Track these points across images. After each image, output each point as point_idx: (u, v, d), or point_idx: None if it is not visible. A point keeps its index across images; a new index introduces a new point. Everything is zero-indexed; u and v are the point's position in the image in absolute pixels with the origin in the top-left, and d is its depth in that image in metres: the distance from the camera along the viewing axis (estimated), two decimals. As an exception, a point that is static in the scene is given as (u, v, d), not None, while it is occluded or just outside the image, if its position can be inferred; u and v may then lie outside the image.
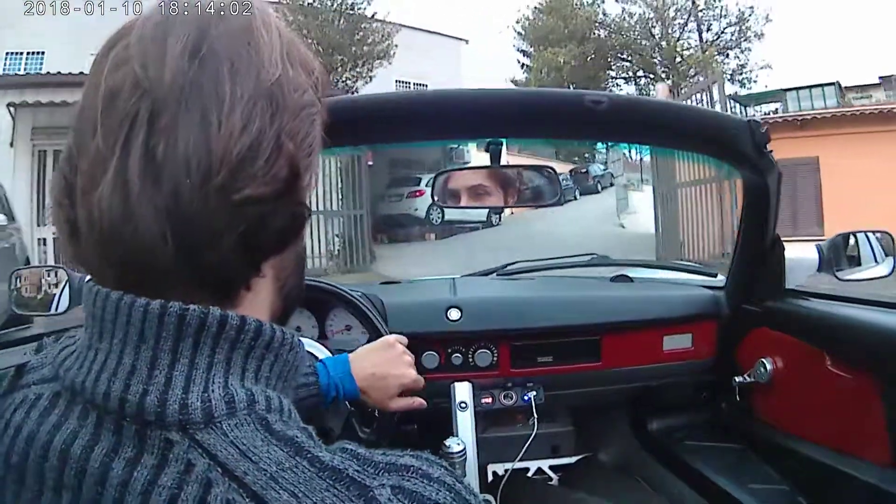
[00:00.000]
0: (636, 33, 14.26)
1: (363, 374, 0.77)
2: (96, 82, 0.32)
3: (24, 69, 10.10)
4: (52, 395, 0.35)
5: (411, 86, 14.30)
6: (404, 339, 0.85)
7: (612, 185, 14.89)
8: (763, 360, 1.06)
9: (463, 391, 0.99)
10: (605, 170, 15.58)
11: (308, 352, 0.89)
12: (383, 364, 0.79)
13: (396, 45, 12.96)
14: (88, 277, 0.35)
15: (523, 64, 19.90)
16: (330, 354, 0.89)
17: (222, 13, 0.33)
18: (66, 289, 1.01)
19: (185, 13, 0.33)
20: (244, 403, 0.32)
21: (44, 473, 0.32)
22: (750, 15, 13.64)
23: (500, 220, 10.44)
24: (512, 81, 18.65)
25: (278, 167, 0.32)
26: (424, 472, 0.31)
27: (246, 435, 0.30)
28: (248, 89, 0.32)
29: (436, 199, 1.00)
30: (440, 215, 10.19)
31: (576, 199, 13.95)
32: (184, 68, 0.31)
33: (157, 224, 0.30)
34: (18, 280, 1.04)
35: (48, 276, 1.05)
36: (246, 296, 0.35)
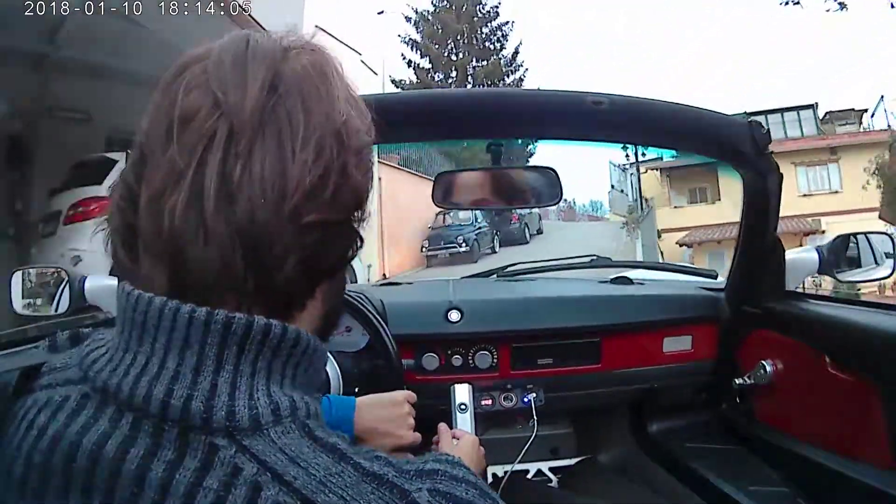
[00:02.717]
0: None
1: (364, 425, 0.77)
2: (171, 100, 0.34)
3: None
4: (81, 397, 0.35)
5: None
6: (413, 397, 0.85)
7: (540, 231, 12.34)
8: (763, 361, 1.06)
9: (463, 393, 0.99)
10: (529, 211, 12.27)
11: None
12: (386, 422, 0.79)
13: None
14: (124, 282, 0.36)
15: (411, 62, 16.97)
16: (331, 360, 0.90)
17: (292, 52, 0.36)
18: (67, 289, 1.01)
19: (260, 48, 0.36)
20: (288, 410, 0.33)
21: (71, 474, 0.32)
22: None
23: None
24: (394, 83, 15.98)
25: (343, 197, 0.35)
26: (451, 474, 0.34)
27: (293, 442, 0.32)
28: (320, 126, 0.35)
29: (436, 201, 1.00)
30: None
31: (494, 251, 11.21)
32: (263, 98, 0.34)
33: (230, 240, 0.32)
34: (18, 280, 1.04)
35: (48, 276, 1.05)
36: (298, 316, 0.37)
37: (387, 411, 0.80)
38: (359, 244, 0.39)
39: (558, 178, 0.97)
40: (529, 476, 1.28)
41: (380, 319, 0.98)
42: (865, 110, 15.21)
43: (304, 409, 0.34)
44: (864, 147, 13.12)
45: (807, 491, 0.96)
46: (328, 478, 0.30)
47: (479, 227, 11.67)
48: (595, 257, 1.59)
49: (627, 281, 1.39)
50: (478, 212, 10.75)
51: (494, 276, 1.52)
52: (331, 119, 0.35)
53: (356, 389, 0.91)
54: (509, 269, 1.53)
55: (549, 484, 1.28)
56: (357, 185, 0.36)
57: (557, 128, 0.90)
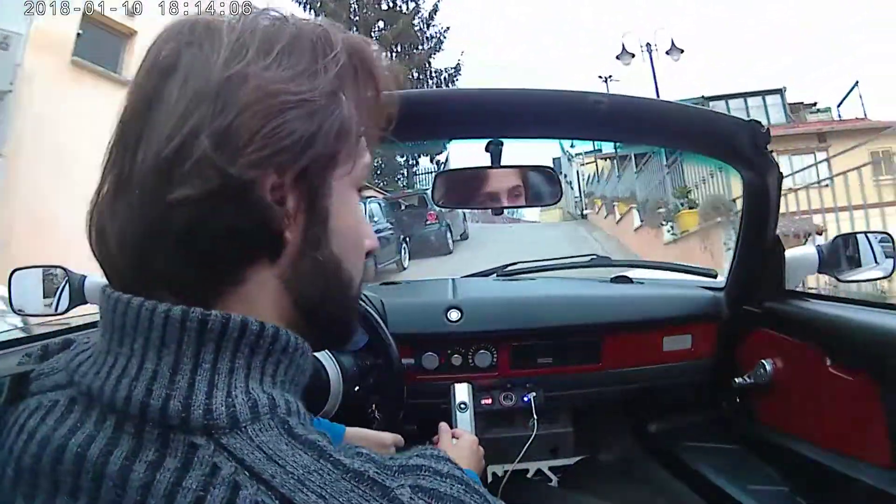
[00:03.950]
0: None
1: None
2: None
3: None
4: (68, 401, 0.35)
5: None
6: (401, 442, 0.86)
7: (465, 236, 9.30)
8: (763, 361, 1.06)
9: (463, 392, 0.99)
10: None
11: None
12: None
13: None
14: (106, 283, 0.36)
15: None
16: (331, 358, 0.90)
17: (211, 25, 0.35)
18: (66, 288, 1.01)
19: (165, 33, 0.36)
20: (266, 408, 0.32)
21: (58, 477, 0.32)
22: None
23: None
24: None
25: (204, 167, 0.32)
26: (435, 469, 0.33)
27: (271, 439, 0.31)
28: (193, 90, 0.32)
29: (436, 201, 1.00)
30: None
31: (402, 268, 8.03)
32: (149, 84, 0.34)
33: (117, 233, 0.34)
34: (17, 280, 1.04)
35: (48, 275, 1.05)
36: (228, 301, 0.34)
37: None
38: (267, 217, 0.33)
39: (558, 178, 0.97)
40: (529, 475, 1.28)
41: (378, 318, 0.98)
42: (815, 103, 13.98)
43: (283, 407, 0.33)
44: (854, 133, 10.76)
45: (806, 490, 0.97)
46: (306, 476, 0.30)
47: (378, 231, 7.60)
48: (595, 257, 1.59)
49: (627, 280, 1.39)
50: (373, 206, 8.39)
51: (494, 275, 1.52)
52: (210, 80, 0.32)
53: (356, 388, 0.92)
54: (509, 268, 1.53)
55: (549, 483, 1.28)
56: (234, 151, 0.32)
57: (557, 127, 0.90)
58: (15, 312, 1.05)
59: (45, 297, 1.03)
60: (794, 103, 14.02)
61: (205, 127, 0.32)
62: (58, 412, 0.34)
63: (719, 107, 12.45)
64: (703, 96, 13.26)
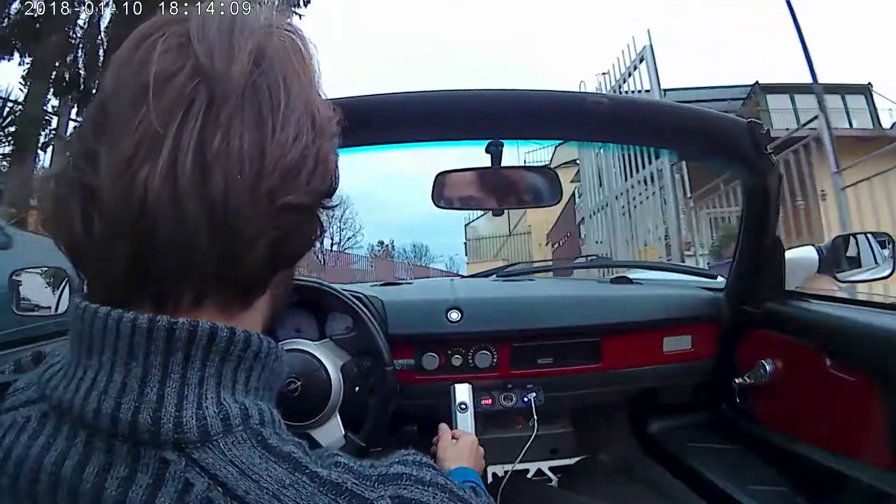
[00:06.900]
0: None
1: None
2: (144, 57, 0.32)
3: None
4: (41, 417, 0.34)
5: None
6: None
7: None
8: (763, 361, 1.06)
9: (463, 392, 0.99)
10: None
11: (311, 354, 0.89)
12: None
13: None
14: (75, 294, 0.35)
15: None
16: (331, 359, 0.90)
17: (275, 30, 0.36)
18: (67, 289, 1.01)
19: (247, 21, 0.35)
20: (239, 419, 0.32)
21: (37, 496, 0.32)
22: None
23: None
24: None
25: (317, 181, 0.35)
26: (417, 477, 0.32)
27: (244, 453, 0.30)
28: (299, 106, 0.34)
29: (435, 201, 1.00)
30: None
31: None
32: (248, 70, 0.33)
33: (199, 218, 0.30)
34: (18, 281, 1.04)
35: (49, 276, 1.05)
36: (258, 300, 0.36)
37: None
38: (320, 233, 0.37)
39: (558, 178, 0.97)
40: (529, 475, 1.28)
41: (370, 316, 0.97)
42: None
43: (256, 417, 0.32)
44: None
45: (806, 490, 0.97)
46: (281, 490, 0.29)
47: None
48: (595, 257, 1.59)
49: (627, 281, 1.39)
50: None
51: (494, 275, 1.52)
52: (308, 102, 0.35)
53: (356, 388, 0.92)
54: (509, 268, 1.53)
55: (550, 483, 1.28)
56: (331, 170, 0.36)
57: (557, 128, 0.90)
58: (15, 313, 1.05)
59: (44, 298, 1.03)
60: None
61: (311, 144, 0.34)
62: (30, 429, 0.33)
63: (781, 99, 9.72)
64: (757, 83, 10.32)
